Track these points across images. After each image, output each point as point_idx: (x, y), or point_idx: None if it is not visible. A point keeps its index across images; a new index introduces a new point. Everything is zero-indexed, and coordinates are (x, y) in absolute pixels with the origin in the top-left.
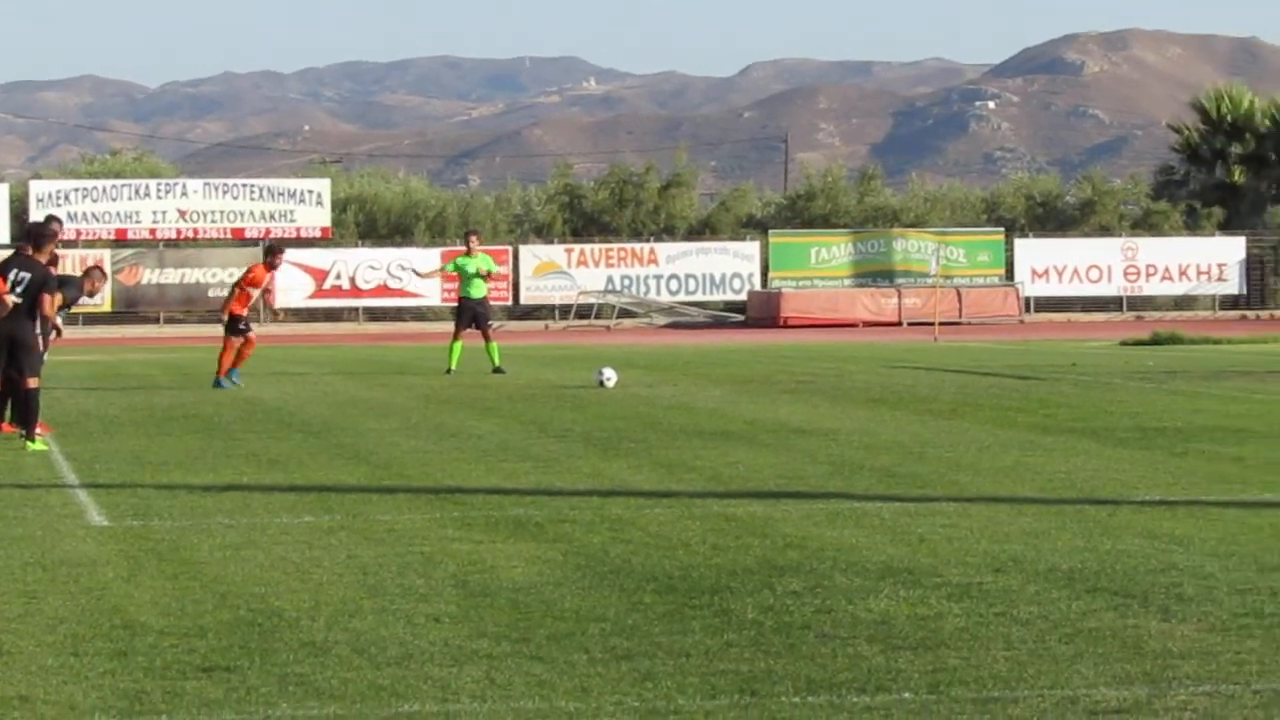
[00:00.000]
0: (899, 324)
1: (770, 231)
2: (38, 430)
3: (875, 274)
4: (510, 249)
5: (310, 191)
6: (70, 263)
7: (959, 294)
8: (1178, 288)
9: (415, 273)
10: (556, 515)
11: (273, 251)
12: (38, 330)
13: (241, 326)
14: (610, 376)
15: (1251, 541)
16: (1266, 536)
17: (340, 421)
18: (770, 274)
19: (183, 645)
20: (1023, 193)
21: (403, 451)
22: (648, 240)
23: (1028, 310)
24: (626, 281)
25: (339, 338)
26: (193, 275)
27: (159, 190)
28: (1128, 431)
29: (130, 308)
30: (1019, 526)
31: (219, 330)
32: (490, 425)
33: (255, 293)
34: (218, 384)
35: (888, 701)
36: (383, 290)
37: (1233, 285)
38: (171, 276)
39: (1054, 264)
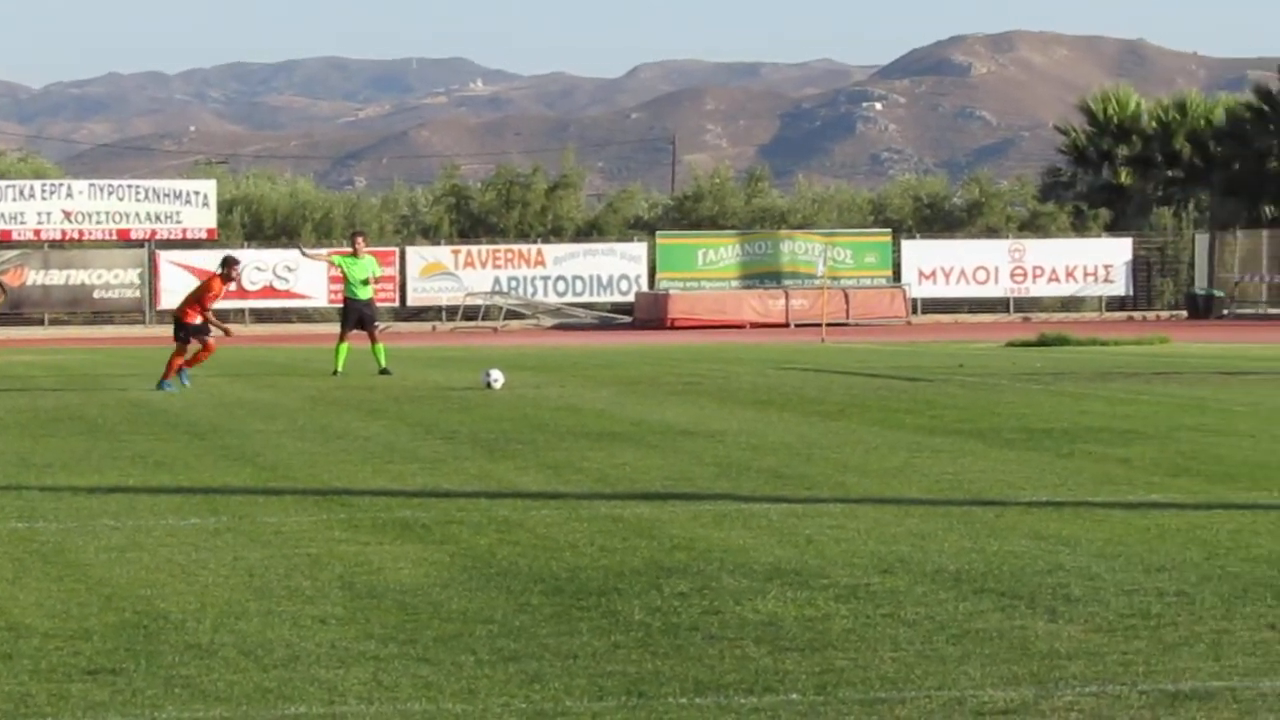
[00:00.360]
0: (786, 325)
1: (657, 233)
2: None
3: (762, 275)
4: (397, 250)
5: (196, 193)
6: None
7: (846, 295)
8: (1065, 289)
9: (302, 251)
10: (444, 517)
11: (229, 264)
12: None
13: (196, 327)
14: (497, 378)
15: (1138, 542)
16: (1152, 537)
17: (227, 423)
18: (657, 275)
19: (68, 648)
20: (910, 194)
21: (289, 453)
22: (535, 242)
23: (915, 311)
24: (513, 283)
25: (225, 339)
26: (78, 277)
27: (44, 191)
28: (1014, 433)
29: (15, 309)
30: (906, 528)
31: (104, 331)
32: (377, 427)
33: (208, 306)
34: (161, 386)
35: (775, 703)
36: (269, 291)
37: (1119, 286)
38: (57, 278)
39: (941, 265)
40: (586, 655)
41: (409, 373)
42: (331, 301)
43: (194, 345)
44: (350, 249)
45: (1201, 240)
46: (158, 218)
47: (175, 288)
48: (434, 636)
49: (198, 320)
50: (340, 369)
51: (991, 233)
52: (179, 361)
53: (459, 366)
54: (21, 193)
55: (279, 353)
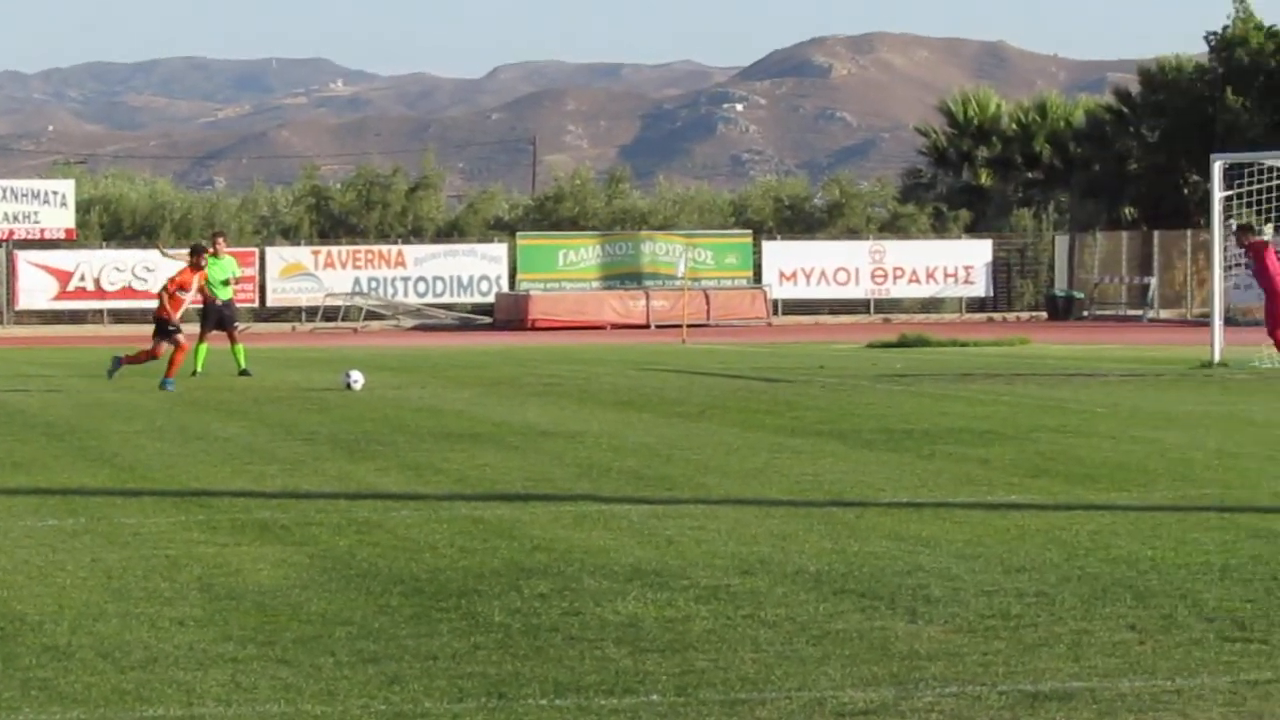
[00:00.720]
0: (647, 326)
1: (518, 234)
2: None
3: (623, 276)
4: (256, 251)
5: (54, 193)
6: None
7: (707, 296)
8: (925, 290)
9: (162, 251)
10: (303, 518)
11: (197, 252)
12: None
13: (170, 329)
14: (357, 379)
15: (997, 543)
16: (1012, 538)
17: (85, 424)
18: (518, 276)
19: None
20: (771, 195)
21: (148, 454)
22: (395, 242)
23: (776, 313)
24: (374, 283)
25: (83, 340)
26: None
27: None
28: (875, 434)
29: None
30: (766, 528)
31: None
32: (236, 428)
33: (187, 296)
34: (165, 385)
35: (635, 704)
36: (128, 292)
37: (979, 288)
38: None
39: (802, 266)
40: (446, 656)
41: (268, 374)
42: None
43: (167, 347)
44: (210, 249)
45: (1061, 242)
46: (15, 218)
47: (33, 288)
48: (293, 638)
49: (176, 315)
50: (199, 369)
51: (852, 234)
52: (180, 358)
53: (319, 367)
54: None
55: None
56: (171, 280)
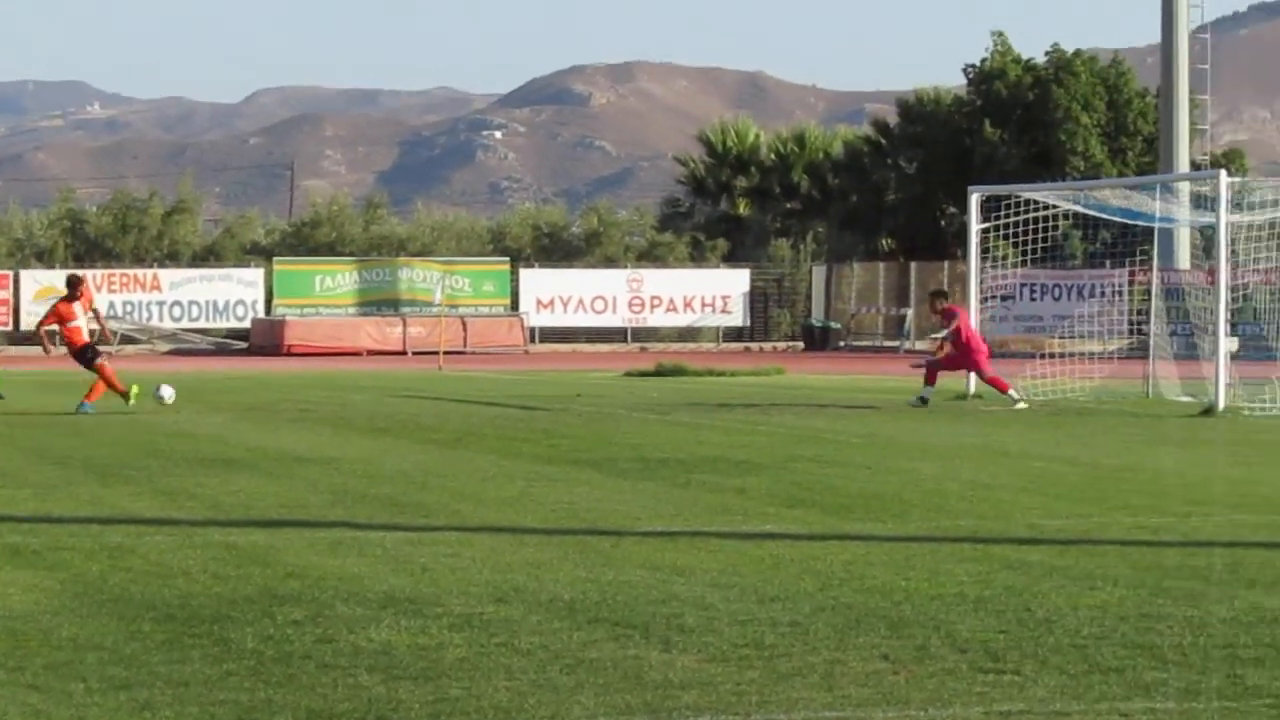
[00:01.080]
0: (404, 353)
1: (275, 259)
2: None
3: (380, 302)
4: (11, 274)
5: None
6: None
7: (464, 323)
8: (682, 319)
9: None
10: (55, 543)
11: (73, 284)
12: None
13: (90, 355)
14: (168, 393)
15: (752, 572)
16: (767, 567)
17: None
18: (274, 301)
19: None
20: (529, 223)
21: None
22: (151, 266)
23: (533, 340)
24: (129, 308)
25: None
26: None
27: None
28: (631, 462)
29: None
30: (522, 556)
31: None
32: None
33: (77, 323)
34: (81, 408)
35: None
36: None
37: (737, 317)
38: None
39: (559, 294)
40: (198, 683)
41: (21, 397)
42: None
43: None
44: None
45: (819, 272)
46: None
47: None
48: (43, 664)
49: (86, 340)
50: None
51: (610, 263)
52: (116, 384)
53: (72, 391)
54: None
55: None
56: (50, 315)
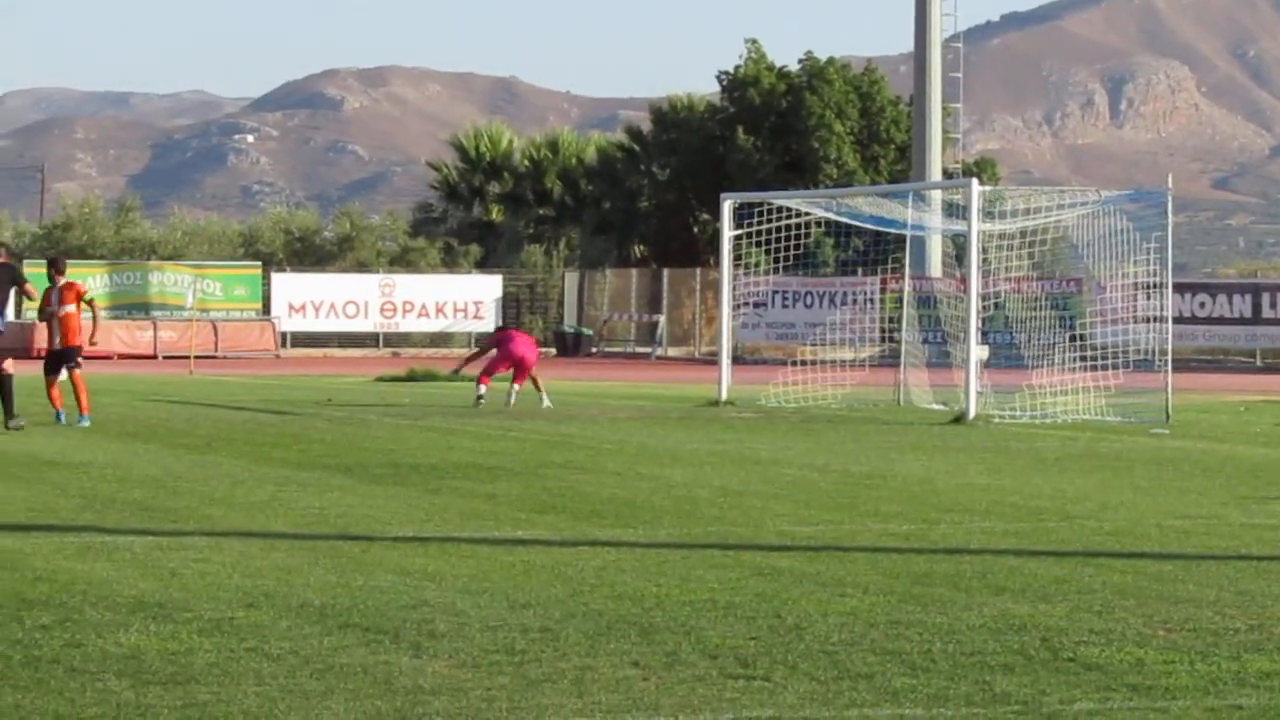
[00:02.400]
0: (155, 357)
1: (25, 261)
2: None
3: (131, 306)
4: None
5: None
6: None
7: (215, 328)
8: (435, 324)
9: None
10: None
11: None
12: None
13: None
14: None
15: (503, 578)
16: (518, 573)
17: None
18: (24, 305)
19: None
20: (281, 227)
21: None
22: None
23: (285, 345)
24: None
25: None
26: None
27: None
28: (382, 468)
29: None
30: (272, 561)
31: None
32: None
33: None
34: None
35: None
36: None
37: (489, 323)
38: None
39: (312, 299)
40: None
41: None
42: None
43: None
44: None
45: (571, 278)
46: None
47: None
48: None
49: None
50: None
51: (362, 267)
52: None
53: None
54: None
55: None
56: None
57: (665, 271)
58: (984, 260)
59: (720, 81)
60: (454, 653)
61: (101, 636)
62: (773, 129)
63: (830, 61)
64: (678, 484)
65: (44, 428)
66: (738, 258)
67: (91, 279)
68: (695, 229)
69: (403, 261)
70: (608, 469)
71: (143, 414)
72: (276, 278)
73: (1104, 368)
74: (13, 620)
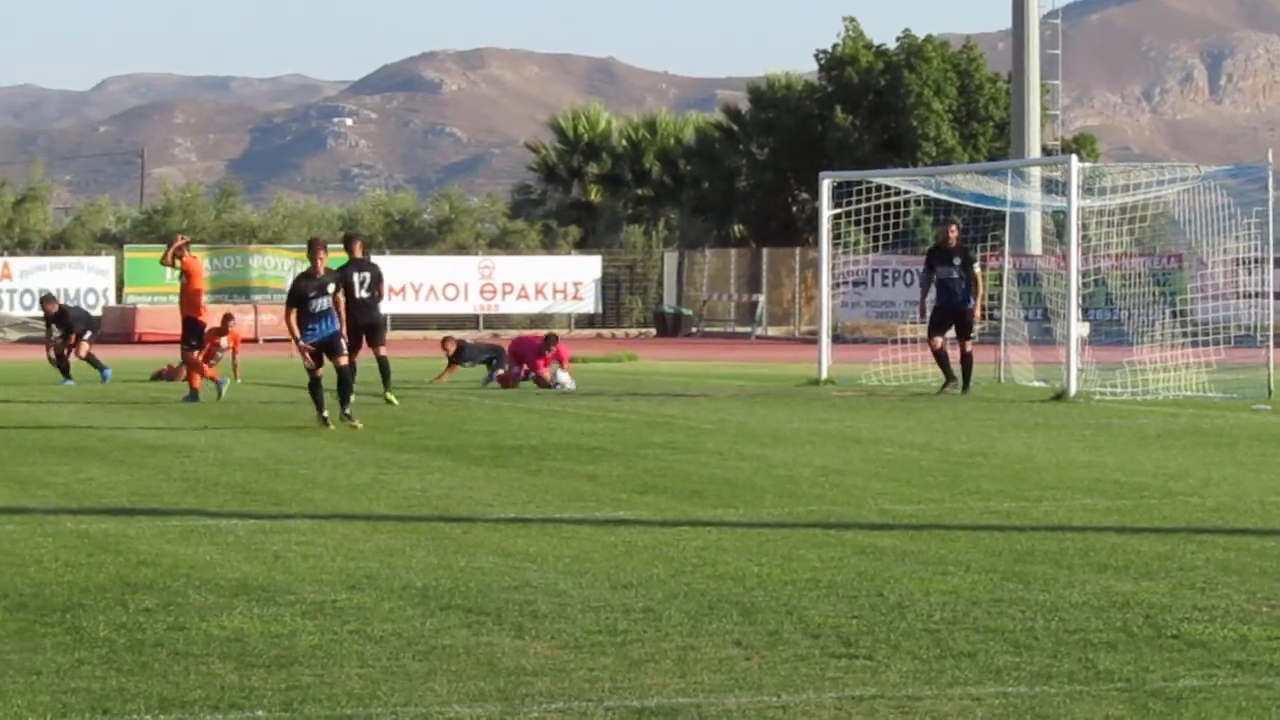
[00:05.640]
0: (255, 340)
1: (126, 246)
2: None
3: (232, 290)
4: None
5: None
6: None
7: None
8: (534, 306)
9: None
10: None
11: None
12: None
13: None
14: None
15: (604, 559)
16: (619, 554)
17: None
18: (125, 289)
19: None
20: (380, 210)
21: None
22: (1, 255)
23: (385, 328)
24: None
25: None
26: None
27: None
28: (483, 449)
29: None
30: (374, 544)
31: None
32: None
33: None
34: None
35: (240, 719)
36: None
37: (589, 304)
38: None
39: (411, 281)
40: (50, 672)
41: None
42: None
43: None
44: None
45: (670, 258)
46: None
47: None
48: None
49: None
50: None
51: (461, 249)
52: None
53: None
54: None
55: None
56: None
57: (764, 251)
58: (1084, 237)
59: (818, 60)
60: (556, 634)
61: (205, 620)
62: (871, 107)
63: (929, 39)
64: (779, 463)
65: (145, 411)
66: (837, 236)
67: None
68: (794, 208)
69: (502, 243)
70: (709, 449)
71: (244, 396)
72: (376, 260)
73: (1205, 343)
74: (117, 604)
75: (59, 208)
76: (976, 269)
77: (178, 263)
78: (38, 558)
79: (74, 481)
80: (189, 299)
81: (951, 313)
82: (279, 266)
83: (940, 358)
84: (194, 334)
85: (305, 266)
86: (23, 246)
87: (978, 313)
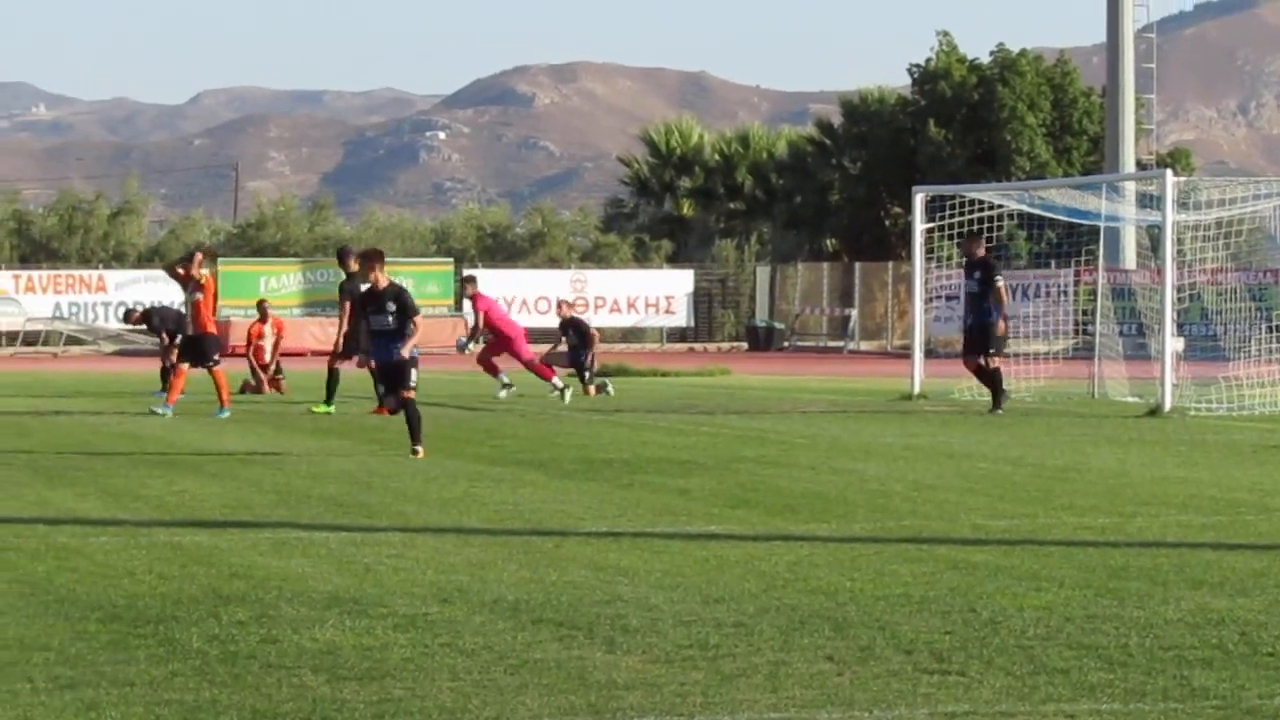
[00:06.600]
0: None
1: (220, 260)
2: None
3: (325, 303)
4: None
5: None
6: None
7: None
8: (626, 320)
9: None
10: (0, 543)
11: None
12: None
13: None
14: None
15: (696, 573)
16: (711, 568)
17: None
18: (219, 302)
19: None
20: (473, 224)
21: None
22: (97, 267)
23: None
24: (74, 308)
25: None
26: None
27: None
28: (574, 463)
29: None
30: (465, 557)
31: None
32: None
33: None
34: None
35: None
36: None
37: (681, 318)
38: None
39: (503, 295)
40: (144, 683)
41: None
42: None
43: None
44: None
45: (763, 273)
46: None
47: None
48: None
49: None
50: None
51: (554, 263)
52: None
53: (17, 392)
54: None
55: None
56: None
57: (857, 265)
58: (1179, 251)
59: (911, 74)
60: (647, 648)
61: (297, 632)
62: (964, 121)
63: (1023, 53)
64: (871, 478)
65: (238, 423)
66: (930, 251)
67: (285, 276)
68: (886, 222)
69: (594, 257)
70: (801, 463)
71: (338, 409)
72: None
73: None
74: (210, 616)
75: (154, 221)
76: (999, 283)
77: (200, 277)
78: (131, 570)
79: (167, 494)
80: (209, 313)
81: (971, 329)
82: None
83: (981, 376)
84: (215, 349)
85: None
86: (118, 259)
87: (1002, 326)
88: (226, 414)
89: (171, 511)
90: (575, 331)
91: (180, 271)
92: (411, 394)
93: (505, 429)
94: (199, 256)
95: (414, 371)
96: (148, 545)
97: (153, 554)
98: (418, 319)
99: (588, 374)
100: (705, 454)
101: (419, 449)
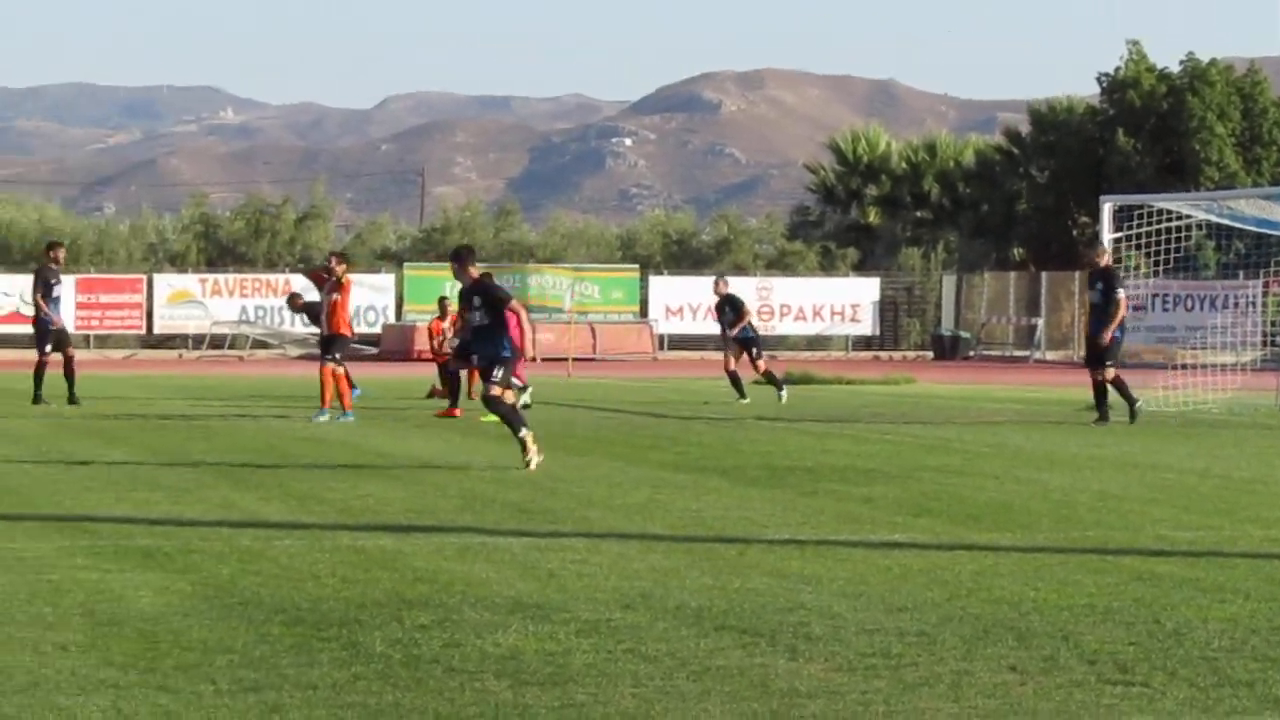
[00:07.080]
0: (534, 359)
1: (405, 264)
2: None
3: None
4: (144, 278)
5: None
6: None
7: (593, 330)
8: (811, 327)
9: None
10: (186, 545)
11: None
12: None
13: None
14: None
15: (879, 581)
16: (894, 577)
17: None
18: (405, 307)
19: None
20: (658, 230)
21: (32, 479)
22: (283, 271)
23: (661, 348)
24: (261, 312)
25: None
26: None
27: None
28: (758, 470)
29: None
30: (648, 563)
31: None
32: (120, 454)
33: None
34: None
35: None
36: (15, 317)
37: (866, 326)
38: None
39: (688, 302)
40: (327, 686)
41: (154, 401)
42: (78, 328)
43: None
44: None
45: (949, 281)
46: None
47: None
48: (174, 665)
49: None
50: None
51: (739, 270)
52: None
53: (204, 395)
54: None
55: (21, 379)
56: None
57: (1044, 274)
58: None
59: (1100, 83)
60: (830, 656)
61: (480, 637)
62: (1153, 131)
63: (1212, 63)
64: (1055, 488)
65: (423, 429)
66: (1117, 260)
67: None
68: (1074, 232)
69: (780, 264)
70: (984, 472)
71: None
72: (654, 280)
73: None
74: (393, 620)
75: (340, 225)
76: (1120, 294)
77: (341, 275)
78: (315, 573)
79: (351, 498)
80: (344, 314)
81: (1090, 340)
82: (557, 285)
83: (1108, 387)
84: (342, 349)
85: (582, 285)
86: (305, 264)
87: (1106, 338)
88: (325, 417)
89: (356, 515)
90: (730, 307)
91: (321, 275)
92: (497, 391)
93: (689, 436)
94: (335, 259)
95: (502, 370)
96: (331, 549)
97: (336, 557)
98: (514, 303)
99: (755, 349)
100: (889, 462)
101: (529, 457)
